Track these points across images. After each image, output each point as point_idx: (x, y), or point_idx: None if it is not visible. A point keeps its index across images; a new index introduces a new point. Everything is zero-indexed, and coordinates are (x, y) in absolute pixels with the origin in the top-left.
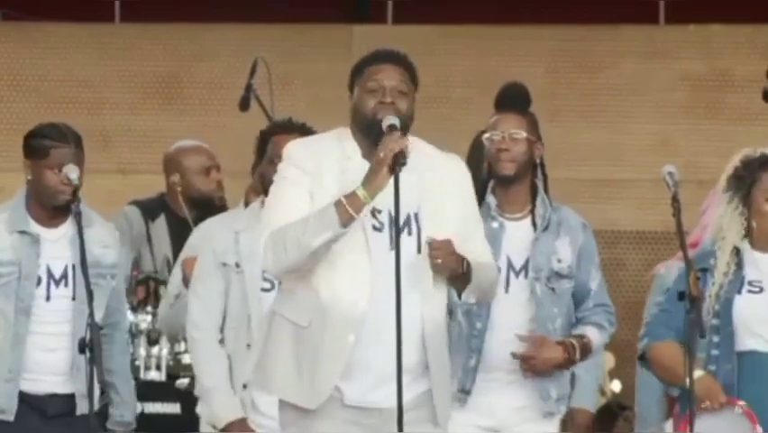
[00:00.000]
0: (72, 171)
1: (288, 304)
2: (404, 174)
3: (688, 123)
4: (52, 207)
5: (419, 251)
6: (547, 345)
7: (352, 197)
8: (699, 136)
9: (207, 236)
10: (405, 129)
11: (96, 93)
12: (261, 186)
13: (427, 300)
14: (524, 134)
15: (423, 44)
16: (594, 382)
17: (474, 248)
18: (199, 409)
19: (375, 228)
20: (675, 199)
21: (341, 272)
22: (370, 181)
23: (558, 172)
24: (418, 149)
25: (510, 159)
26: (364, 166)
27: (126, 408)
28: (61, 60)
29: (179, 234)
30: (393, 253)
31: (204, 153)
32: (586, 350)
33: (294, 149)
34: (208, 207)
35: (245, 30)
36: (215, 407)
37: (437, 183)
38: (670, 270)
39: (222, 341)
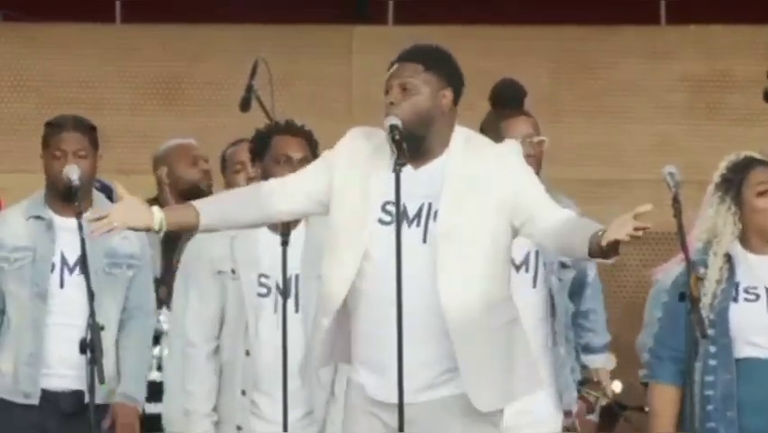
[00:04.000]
0: (73, 172)
1: None
2: (431, 164)
3: (688, 123)
4: (60, 194)
5: (424, 241)
6: (580, 413)
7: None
8: (699, 137)
9: (202, 247)
10: (412, 125)
11: (97, 93)
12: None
13: (450, 290)
14: (540, 138)
15: None
16: None
17: (552, 216)
18: (163, 410)
19: (382, 222)
20: (676, 200)
21: (335, 266)
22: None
23: (558, 172)
24: (461, 140)
25: (536, 163)
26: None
27: (130, 381)
28: (62, 61)
29: (170, 233)
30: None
31: (189, 146)
32: (602, 387)
33: (348, 137)
34: (197, 196)
35: (246, 30)
36: (190, 427)
37: (469, 174)
38: (667, 275)
39: (216, 349)
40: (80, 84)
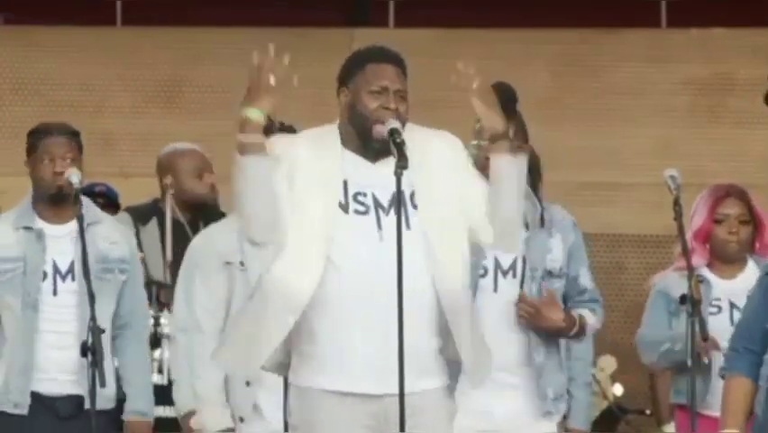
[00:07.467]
0: (74, 175)
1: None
2: (388, 156)
3: (690, 126)
4: (50, 197)
5: (408, 227)
6: (555, 305)
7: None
8: (701, 140)
9: (209, 241)
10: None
11: (98, 96)
12: None
13: (436, 275)
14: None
15: (424, 48)
16: (588, 402)
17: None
18: (175, 396)
19: (358, 212)
20: (677, 203)
21: (299, 263)
22: (245, 100)
23: (560, 175)
24: (408, 130)
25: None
26: (346, 157)
27: (139, 398)
28: (63, 64)
29: (173, 238)
30: (380, 235)
31: (197, 156)
32: (582, 330)
33: (287, 141)
34: (201, 209)
35: (246, 33)
36: (206, 418)
37: (428, 161)
38: (665, 280)
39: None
40: (81, 87)
